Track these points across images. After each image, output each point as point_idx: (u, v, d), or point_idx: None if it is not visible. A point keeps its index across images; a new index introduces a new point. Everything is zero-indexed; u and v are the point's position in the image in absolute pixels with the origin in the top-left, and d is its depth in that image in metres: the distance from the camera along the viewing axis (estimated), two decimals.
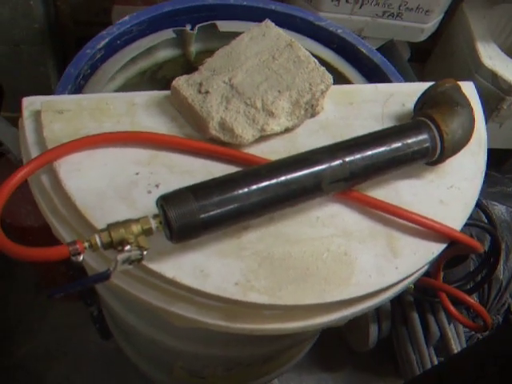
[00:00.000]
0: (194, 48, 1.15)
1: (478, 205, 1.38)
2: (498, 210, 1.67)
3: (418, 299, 1.49)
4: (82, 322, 1.70)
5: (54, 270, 1.56)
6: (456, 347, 1.45)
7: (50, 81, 1.50)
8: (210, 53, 1.12)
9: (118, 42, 1.04)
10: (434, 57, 1.87)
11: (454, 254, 1.00)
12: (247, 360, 1.19)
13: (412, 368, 1.53)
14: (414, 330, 1.50)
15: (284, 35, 0.85)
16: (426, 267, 0.82)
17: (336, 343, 1.85)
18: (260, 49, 0.83)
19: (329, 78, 0.81)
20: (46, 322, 1.74)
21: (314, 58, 0.82)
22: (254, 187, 0.67)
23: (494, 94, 1.52)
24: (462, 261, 1.43)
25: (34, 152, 0.76)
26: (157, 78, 1.19)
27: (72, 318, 1.74)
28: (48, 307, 1.74)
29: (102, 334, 1.54)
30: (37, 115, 0.79)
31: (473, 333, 1.60)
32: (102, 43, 1.01)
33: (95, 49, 1.00)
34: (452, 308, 1.20)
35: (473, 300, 1.21)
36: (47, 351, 1.69)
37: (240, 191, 0.66)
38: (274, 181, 0.68)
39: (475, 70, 1.49)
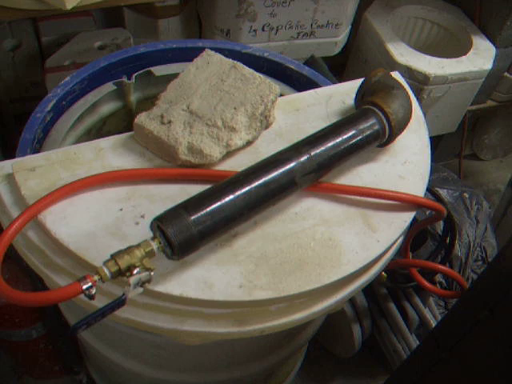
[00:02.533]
0: (134, 97, 1.19)
1: (427, 188, 1.48)
2: (441, 193, 1.79)
3: (391, 289, 1.56)
4: None
5: (34, 349, 1.52)
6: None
7: None
8: (150, 100, 1.18)
9: (64, 102, 1.08)
10: (350, 67, 2.00)
11: (419, 228, 1.08)
12: (250, 381, 1.21)
13: (400, 356, 1.58)
14: (393, 320, 1.56)
15: (226, 59, 0.92)
16: (402, 238, 0.89)
17: (323, 356, 1.89)
18: (208, 75, 0.89)
19: (276, 88, 0.88)
20: None
21: (258, 74, 0.89)
22: (238, 193, 0.72)
23: (413, 86, 1.65)
24: (423, 243, 1.53)
25: (15, 212, 0.78)
26: (102, 134, 1.22)
27: None
28: None
29: None
30: (9, 178, 0.81)
31: (446, 311, 1.68)
32: (50, 105, 1.04)
33: (44, 112, 1.03)
34: (426, 282, 1.27)
35: (445, 267, 1.29)
36: None
37: (226, 199, 0.71)
38: (254, 184, 0.73)
39: (391, 69, 1.62)
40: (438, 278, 1.65)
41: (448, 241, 1.46)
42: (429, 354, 0.99)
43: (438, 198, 1.40)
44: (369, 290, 1.59)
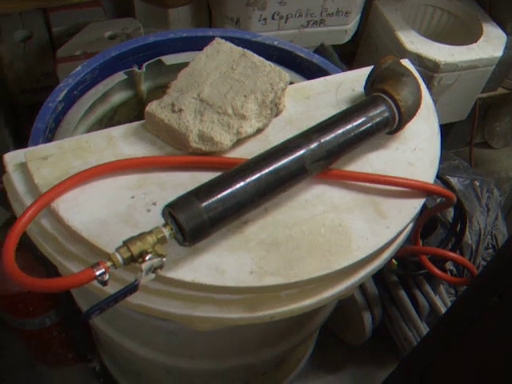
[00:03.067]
0: (145, 86, 1.20)
1: (437, 176, 1.47)
2: (451, 181, 1.79)
3: (401, 277, 1.56)
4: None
5: (47, 337, 1.54)
6: None
7: (9, 149, 1.51)
8: (161, 89, 1.18)
9: (75, 92, 1.09)
10: (360, 55, 2.00)
11: (429, 215, 1.09)
12: (262, 367, 1.22)
13: (411, 344, 1.59)
14: (404, 307, 1.57)
15: (236, 48, 0.92)
16: (412, 225, 0.89)
17: (334, 344, 1.89)
18: (218, 63, 0.89)
19: (286, 75, 0.88)
20: None
21: (268, 62, 0.89)
22: (249, 180, 0.72)
23: (424, 74, 1.64)
24: (433, 230, 1.53)
25: (28, 201, 0.79)
26: (113, 123, 1.23)
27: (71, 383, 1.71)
28: (45, 377, 1.71)
29: None
30: (22, 167, 0.82)
31: (455, 298, 1.68)
32: (62, 95, 1.04)
33: (56, 101, 1.04)
34: (436, 269, 1.27)
35: (455, 254, 1.29)
36: None
37: (237, 186, 0.72)
38: (264, 171, 0.74)
39: (401, 57, 1.61)
40: (449, 265, 1.65)
41: (458, 228, 1.46)
42: (439, 340, 0.99)
43: (448, 186, 1.39)
44: (379, 277, 1.59)
